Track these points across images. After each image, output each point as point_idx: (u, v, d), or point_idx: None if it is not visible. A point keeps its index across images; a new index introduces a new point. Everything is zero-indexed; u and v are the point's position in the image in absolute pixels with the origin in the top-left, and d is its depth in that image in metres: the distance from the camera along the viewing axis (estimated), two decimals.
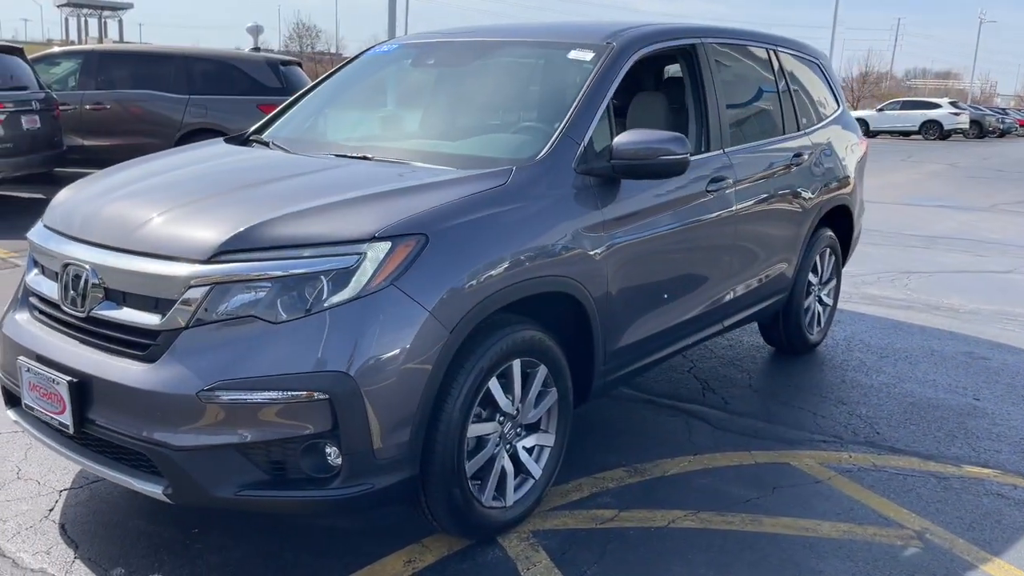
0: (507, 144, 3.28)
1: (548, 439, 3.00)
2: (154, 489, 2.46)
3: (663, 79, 4.43)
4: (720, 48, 4.05)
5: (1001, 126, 41.15)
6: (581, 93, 3.20)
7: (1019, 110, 56.20)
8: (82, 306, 2.59)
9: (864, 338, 5.41)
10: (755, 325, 4.94)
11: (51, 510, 2.99)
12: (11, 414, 2.93)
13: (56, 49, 12.82)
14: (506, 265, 2.69)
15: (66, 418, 2.54)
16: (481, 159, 3.07)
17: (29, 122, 9.01)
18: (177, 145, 10.70)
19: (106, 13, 64.62)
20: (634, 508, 3.12)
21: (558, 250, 2.88)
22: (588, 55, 3.39)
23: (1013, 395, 4.45)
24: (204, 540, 2.82)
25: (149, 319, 2.47)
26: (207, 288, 2.40)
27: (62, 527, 2.88)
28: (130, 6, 65.46)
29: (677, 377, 4.58)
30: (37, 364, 2.62)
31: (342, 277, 2.39)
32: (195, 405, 2.34)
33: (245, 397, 2.33)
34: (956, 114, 36.09)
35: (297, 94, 4.08)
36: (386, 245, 2.43)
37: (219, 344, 2.38)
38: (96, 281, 2.56)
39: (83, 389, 2.51)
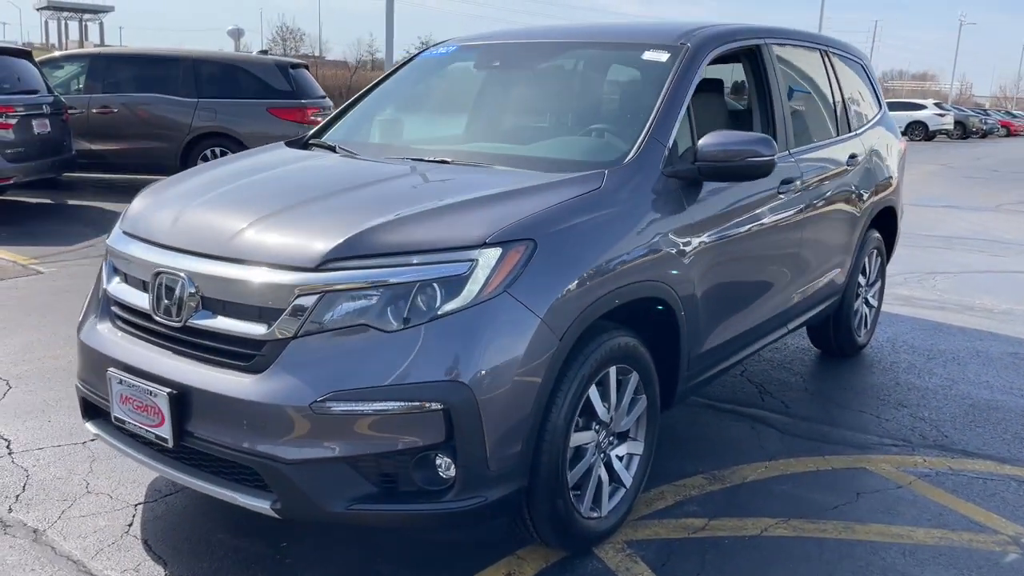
0: (590, 147, 3.23)
1: (638, 447, 2.95)
2: (261, 504, 2.38)
3: (727, 80, 4.40)
4: (780, 49, 4.02)
5: (984, 127, 41.57)
6: (663, 94, 3.15)
7: (999, 111, 56.80)
8: (177, 316, 2.51)
9: (907, 340, 5.39)
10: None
11: (130, 525, 2.90)
12: (91, 427, 2.85)
13: (58, 53, 12.68)
14: (608, 270, 2.64)
15: (164, 431, 2.46)
16: (567, 162, 3.02)
17: (40, 126, 8.88)
18: (186, 149, 10.71)
19: (87, 16, 64.15)
20: (723, 516, 3.07)
21: (653, 254, 2.84)
22: (663, 56, 3.34)
23: None
24: (296, 554, 2.75)
25: (254, 329, 2.39)
26: (316, 297, 2.33)
27: (146, 543, 2.79)
28: (111, 9, 65.01)
29: (732, 381, 4.53)
30: (130, 376, 2.54)
31: (455, 284, 2.33)
32: (308, 417, 2.27)
33: (359, 408, 2.26)
34: (941, 115, 36.45)
35: (353, 98, 4.01)
36: (497, 251, 2.37)
37: (330, 354, 2.31)
38: (192, 290, 2.49)
39: (182, 401, 2.43)
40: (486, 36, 4.10)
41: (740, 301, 3.48)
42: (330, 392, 2.26)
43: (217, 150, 10.81)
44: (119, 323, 2.75)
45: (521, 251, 2.41)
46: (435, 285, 2.33)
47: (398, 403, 2.26)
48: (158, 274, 2.57)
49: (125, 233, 2.85)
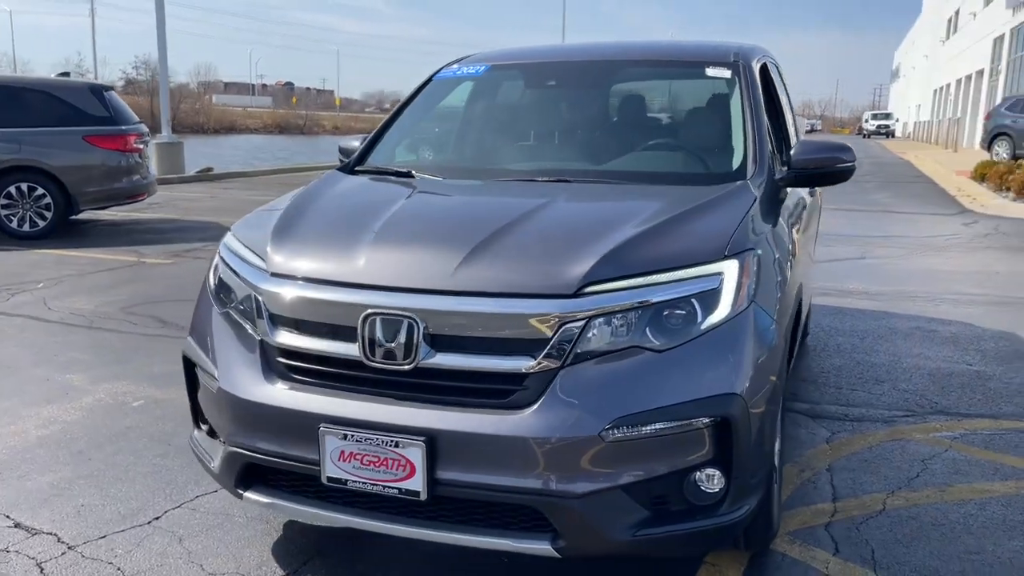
0: (705, 160, 3.34)
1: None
2: (538, 546, 2.26)
3: None
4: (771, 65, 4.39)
5: None
6: (747, 107, 3.35)
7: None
8: (406, 358, 2.32)
9: (826, 324, 6.02)
10: None
11: None
12: (254, 496, 2.53)
13: None
14: (789, 275, 2.79)
15: (414, 483, 2.26)
16: (693, 175, 3.14)
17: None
18: None
19: None
20: (841, 499, 3.31)
21: (796, 256, 3.04)
22: (726, 72, 3.55)
23: (989, 358, 5.22)
24: None
25: (512, 363, 2.27)
26: (582, 323, 2.26)
27: None
28: None
29: None
30: (358, 430, 2.30)
31: (710, 299, 2.36)
32: (597, 446, 2.20)
33: (644, 431, 2.23)
34: None
35: (384, 122, 3.82)
36: (735, 263, 2.43)
37: (605, 379, 2.26)
38: (423, 330, 2.31)
39: (432, 448, 2.25)
40: (512, 55, 4.09)
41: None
42: (616, 418, 2.21)
43: (24, 186, 9.59)
44: (302, 376, 2.46)
45: (752, 261, 2.49)
46: (693, 301, 2.34)
47: (679, 421, 2.25)
48: (369, 316, 2.35)
49: (278, 275, 2.56)
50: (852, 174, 3.36)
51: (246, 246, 2.76)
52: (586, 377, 2.25)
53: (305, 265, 2.55)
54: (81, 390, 4.52)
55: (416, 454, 2.24)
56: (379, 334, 2.34)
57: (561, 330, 2.25)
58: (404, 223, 2.74)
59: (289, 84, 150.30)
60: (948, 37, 49.39)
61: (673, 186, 3.00)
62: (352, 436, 2.30)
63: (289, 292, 2.51)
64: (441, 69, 4.05)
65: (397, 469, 2.27)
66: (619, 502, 2.26)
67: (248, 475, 2.54)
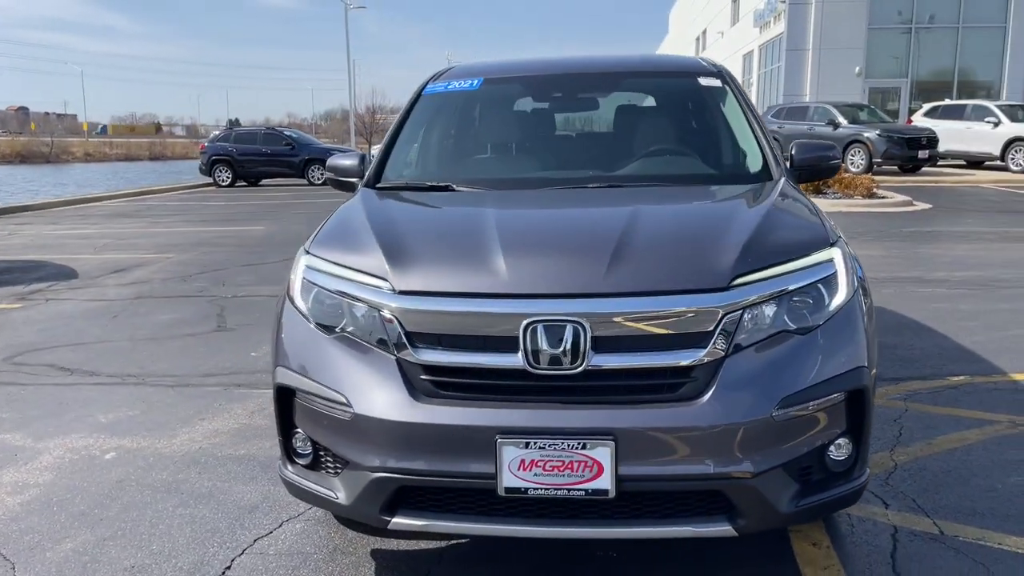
0: (734, 162, 3.59)
1: None
2: (719, 528, 2.38)
3: None
4: None
5: None
6: (747, 112, 3.67)
7: None
8: (575, 362, 2.35)
9: None
10: None
11: None
12: (409, 520, 2.45)
13: None
14: None
15: (603, 483, 2.29)
16: (731, 176, 3.39)
17: None
18: None
19: None
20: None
21: None
22: (716, 81, 3.85)
23: (882, 331, 5.89)
24: None
25: (679, 357, 2.37)
26: (739, 314, 2.41)
27: None
28: None
29: None
30: (539, 437, 2.30)
31: (831, 282, 2.59)
32: (769, 426, 2.36)
33: (803, 408, 2.42)
34: None
35: (388, 139, 3.75)
36: (838, 250, 2.69)
37: (765, 364, 2.41)
38: (589, 332, 2.35)
39: (617, 447, 2.31)
40: (500, 68, 4.14)
41: None
42: (782, 398, 2.38)
43: None
44: (455, 391, 2.41)
45: (846, 248, 2.76)
46: (820, 286, 2.57)
47: (828, 396, 2.46)
48: (531, 324, 2.36)
49: (410, 293, 2.48)
50: (838, 170, 3.76)
51: (348, 267, 2.64)
52: (749, 364, 2.40)
53: (442, 281, 2.51)
54: (29, 449, 4.01)
55: (605, 454, 2.28)
56: (543, 341, 2.35)
57: (723, 322, 2.39)
58: (523, 233, 2.76)
59: (23, 109, 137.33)
60: (696, 55, 54.31)
61: (726, 185, 3.23)
62: (535, 443, 2.30)
63: (429, 309, 2.45)
64: (427, 84, 4.03)
65: (584, 471, 2.30)
66: (783, 477, 2.43)
67: (396, 500, 2.45)
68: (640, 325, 2.39)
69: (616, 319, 2.38)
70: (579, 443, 2.29)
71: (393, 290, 2.51)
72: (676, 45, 63.15)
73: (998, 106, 22.38)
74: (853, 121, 21.52)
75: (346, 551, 2.97)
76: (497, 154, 3.91)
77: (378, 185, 3.50)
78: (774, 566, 2.83)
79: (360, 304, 2.55)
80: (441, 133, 3.91)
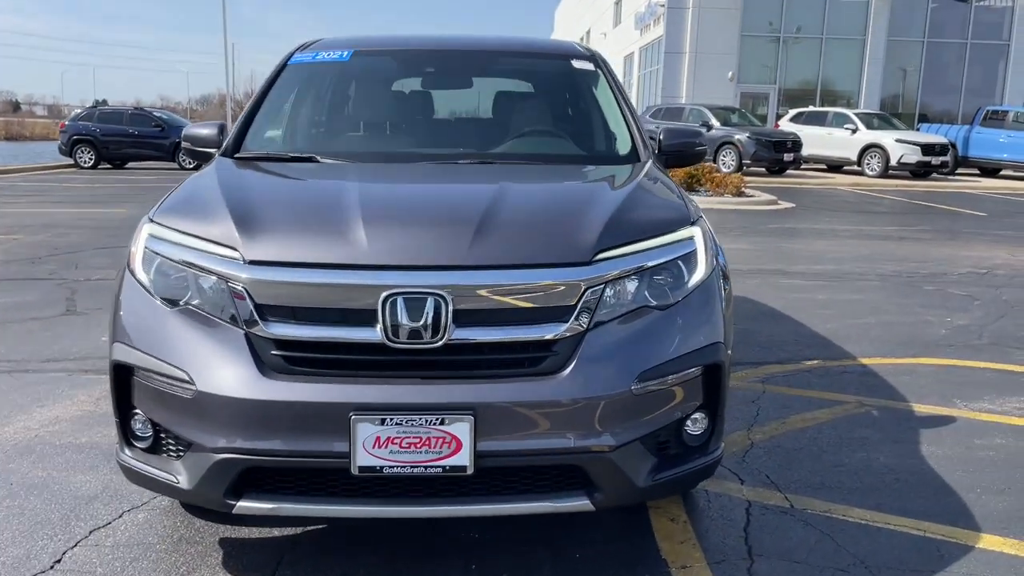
0: (606, 143, 3.59)
1: None
2: (578, 502, 2.36)
3: None
4: None
5: None
6: (618, 97, 3.70)
7: None
8: (435, 336, 2.28)
9: None
10: None
11: None
12: (257, 504, 2.32)
13: None
14: None
15: (461, 458, 2.23)
16: (601, 157, 3.39)
17: None
18: None
19: None
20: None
21: None
22: (589, 65, 3.86)
23: (744, 318, 6.13)
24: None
25: (541, 331, 2.34)
26: (601, 287, 2.40)
27: None
28: None
29: None
30: (396, 413, 2.21)
31: (690, 260, 2.62)
32: (628, 400, 2.36)
33: (661, 382, 2.43)
34: None
35: (248, 110, 3.57)
36: (699, 229, 2.72)
37: (625, 338, 2.41)
38: (451, 305, 2.29)
39: (476, 422, 2.25)
40: (371, 42, 4.01)
41: None
42: (641, 372, 2.39)
43: None
44: (309, 366, 2.29)
45: (706, 226, 2.80)
46: (679, 263, 2.59)
47: (686, 370, 2.49)
48: (391, 297, 2.27)
49: (262, 264, 2.35)
50: (704, 156, 3.84)
51: (195, 235, 2.48)
52: (609, 338, 2.40)
53: (296, 251, 2.38)
54: None
55: (464, 429, 2.23)
56: (403, 315, 2.27)
57: (585, 296, 2.37)
58: (386, 204, 2.67)
59: None
60: None
61: (595, 166, 3.23)
62: (391, 420, 2.22)
63: (282, 280, 2.33)
64: (293, 54, 3.86)
65: (442, 447, 2.23)
66: (640, 451, 2.44)
67: (242, 483, 2.31)
68: (503, 298, 2.34)
69: (479, 292, 2.33)
70: (437, 418, 2.22)
71: (243, 260, 2.37)
72: None
73: (856, 114, 23.76)
74: (725, 123, 22.36)
75: (192, 540, 2.80)
76: (366, 127, 3.80)
77: (237, 155, 3.32)
78: (634, 541, 2.85)
79: (207, 275, 2.40)
80: (306, 104, 3.76)
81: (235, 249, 2.39)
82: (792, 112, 25.45)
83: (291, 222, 2.52)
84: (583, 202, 2.70)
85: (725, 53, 29.32)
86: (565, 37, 61.85)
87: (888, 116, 24.96)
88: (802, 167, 23.28)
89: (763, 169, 21.93)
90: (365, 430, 2.22)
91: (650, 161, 3.35)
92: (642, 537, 2.88)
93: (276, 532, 2.86)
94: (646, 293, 2.50)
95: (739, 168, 20.89)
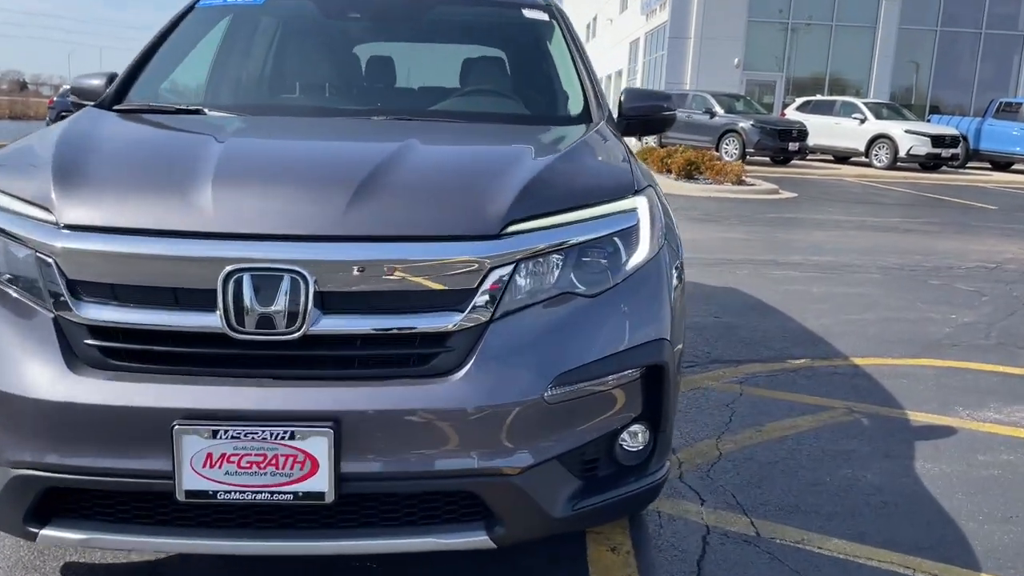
0: (547, 102, 3.11)
1: None
2: (473, 538, 1.88)
3: None
4: None
5: None
6: (574, 52, 3.19)
7: None
8: (291, 325, 1.79)
9: None
10: None
11: None
12: (63, 533, 1.84)
13: None
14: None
15: (317, 483, 1.75)
16: (543, 117, 2.91)
17: None
18: None
19: None
20: (679, 449, 3.29)
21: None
22: (543, 15, 3.36)
23: (729, 311, 5.64)
24: None
25: (430, 321, 1.85)
26: (511, 267, 1.91)
27: None
28: None
29: None
30: (232, 424, 1.73)
31: (630, 236, 2.12)
32: (540, 410, 1.87)
33: (586, 387, 1.94)
34: None
35: (141, 55, 3.07)
36: (644, 199, 2.22)
37: (541, 332, 1.92)
38: (312, 286, 1.80)
39: (338, 436, 1.76)
40: None
41: None
42: (559, 375, 1.90)
43: None
44: (130, 360, 1.81)
45: (655, 198, 2.31)
46: (616, 240, 2.10)
47: (618, 373, 2.00)
48: (234, 274, 1.78)
49: (78, 229, 1.86)
50: (673, 122, 3.33)
51: (10, 194, 1.99)
52: (520, 331, 1.91)
53: (120, 213, 1.89)
54: None
55: (320, 445, 1.74)
56: (250, 297, 1.78)
57: (489, 277, 1.88)
58: (250, 161, 2.18)
59: None
60: (587, 41, 54.43)
61: (535, 126, 2.74)
62: (226, 432, 1.73)
63: (100, 249, 1.84)
64: None
65: (292, 468, 1.75)
66: (558, 473, 1.95)
67: (45, 507, 1.83)
68: (382, 279, 1.85)
69: (351, 270, 1.84)
70: (285, 431, 1.74)
71: (57, 224, 1.88)
72: None
73: (865, 103, 23.12)
74: (729, 111, 21.73)
75: (32, 566, 2.33)
76: (275, 77, 3.30)
77: (116, 106, 2.82)
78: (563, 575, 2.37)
79: (16, 243, 1.91)
80: (212, 50, 3.26)
81: (48, 211, 1.90)
82: (799, 100, 24.82)
83: (122, 179, 2.02)
84: (501, 165, 2.20)
85: (731, 39, 28.63)
86: (574, 23, 60.93)
87: (898, 106, 24.33)
88: (808, 158, 22.66)
89: (767, 159, 21.34)
90: (193, 444, 1.73)
91: (602, 122, 2.85)
92: (574, 568, 2.40)
93: (135, 557, 2.38)
94: (571, 276, 2.00)
95: (742, 157, 20.30)
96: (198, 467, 1.74)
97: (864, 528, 2.70)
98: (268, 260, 1.79)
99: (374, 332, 1.83)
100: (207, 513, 1.84)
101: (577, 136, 2.60)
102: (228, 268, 1.78)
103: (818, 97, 25.04)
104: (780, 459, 3.22)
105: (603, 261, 2.06)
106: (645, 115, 3.12)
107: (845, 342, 4.93)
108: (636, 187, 2.23)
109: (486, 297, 1.88)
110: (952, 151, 21.50)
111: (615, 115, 3.10)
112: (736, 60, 28.80)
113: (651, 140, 22.96)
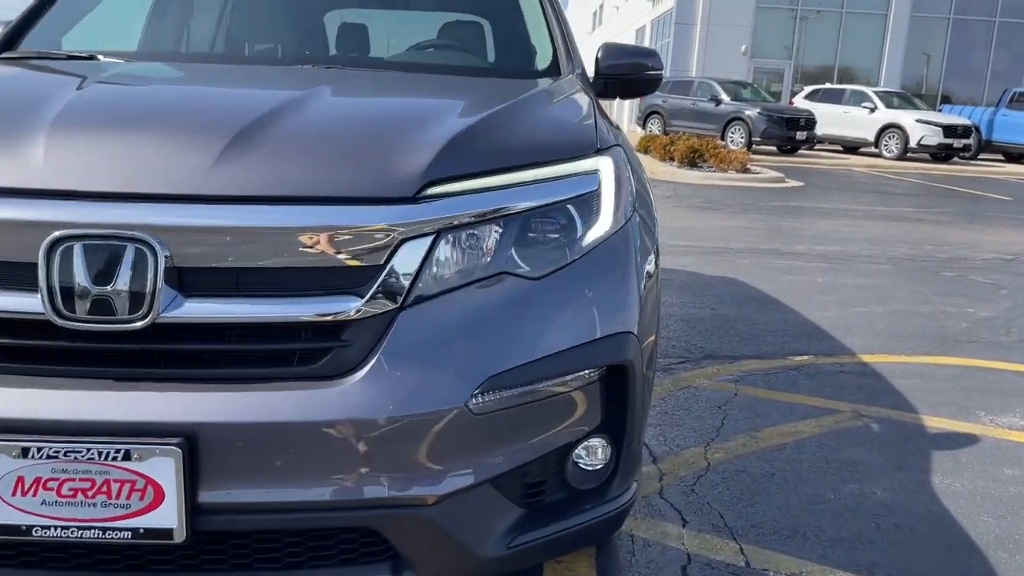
0: (510, 54, 2.71)
1: None
2: None
3: None
4: None
5: None
6: (548, 2, 2.78)
7: None
8: (137, 311, 1.38)
9: None
10: None
11: None
12: None
13: None
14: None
15: (163, 517, 1.34)
16: (503, 70, 2.53)
17: None
18: None
19: None
20: (662, 459, 2.88)
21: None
22: None
23: (726, 303, 5.21)
24: None
25: (322, 307, 1.43)
26: (428, 239, 1.49)
27: None
28: None
29: None
30: (50, 439, 1.32)
31: (588, 204, 1.70)
32: (459, 422, 1.46)
33: (524, 393, 1.53)
34: None
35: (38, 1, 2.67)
36: (608, 160, 1.80)
37: (466, 322, 1.51)
38: (165, 260, 1.39)
39: (192, 457, 1.35)
40: None
41: None
42: (488, 378, 1.48)
43: None
44: None
45: (624, 158, 1.88)
46: (570, 208, 1.68)
47: (572, 374, 1.58)
48: (61, 243, 1.37)
49: None
50: (659, 84, 2.91)
51: None
52: (440, 321, 1.49)
53: None
54: None
55: (166, 469, 1.33)
56: (81, 272, 1.37)
57: (400, 251, 1.47)
58: (104, 106, 1.76)
59: None
60: (594, 29, 53.79)
61: (488, 79, 2.33)
62: (40, 450, 1.32)
63: None
64: None
65: (129, 497, 1.34)
66: (488, 502, 1.54)
67: None
68: (257, 252, 1.43)
69: (215, 241, 1.42)
70: (120, 451, 1.33)
71: None
72: (574, 17, 62.67)
73: (875, 92, 22.59)
74: (735, 98, 21.21)
75: None
76: (198, 21, 2.88)
77: (3, 55, 2.42)
78: None
79: None
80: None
81: None
82: (807, 89, 24.27)
83: None
84: (426, 115, 1.78)
85: (739, 26, 28.06)
86: (579, 11, 60.49)
87: (909, 96, 23.77)
88: (816, 147, 22.15)
89: (774, 148, 20.84)
90: (1, 466, 1.32)
91: (571, 75, 2.43)
92: None
93: None
94: (512, 253, 1.58)
95: (748, 146, 19.81)
96: (6, 495, 1.33)
97: (874, 558, 2.29)
98: (105, 225, 1.38)
99: (245, 320, 1.42)
100: (34, 551, 1.43)
101: (533, 88, 2.19)
102: (53, 235, 1.36)
103: (827, 85, 24.50)
104: (777, 471, 2.80)
105: (553, 235, 1.64)
106: (625, 74, 2.70)
107: (852, 337, 4.50)
108: (600, 145, 1.81)
109: (395, 278, 1.46)
110: (964, 141, 20.98)
111: (591, 75, 2.68)
112: (743, 47, 28.25)
113: (655, 129, 22.50)
